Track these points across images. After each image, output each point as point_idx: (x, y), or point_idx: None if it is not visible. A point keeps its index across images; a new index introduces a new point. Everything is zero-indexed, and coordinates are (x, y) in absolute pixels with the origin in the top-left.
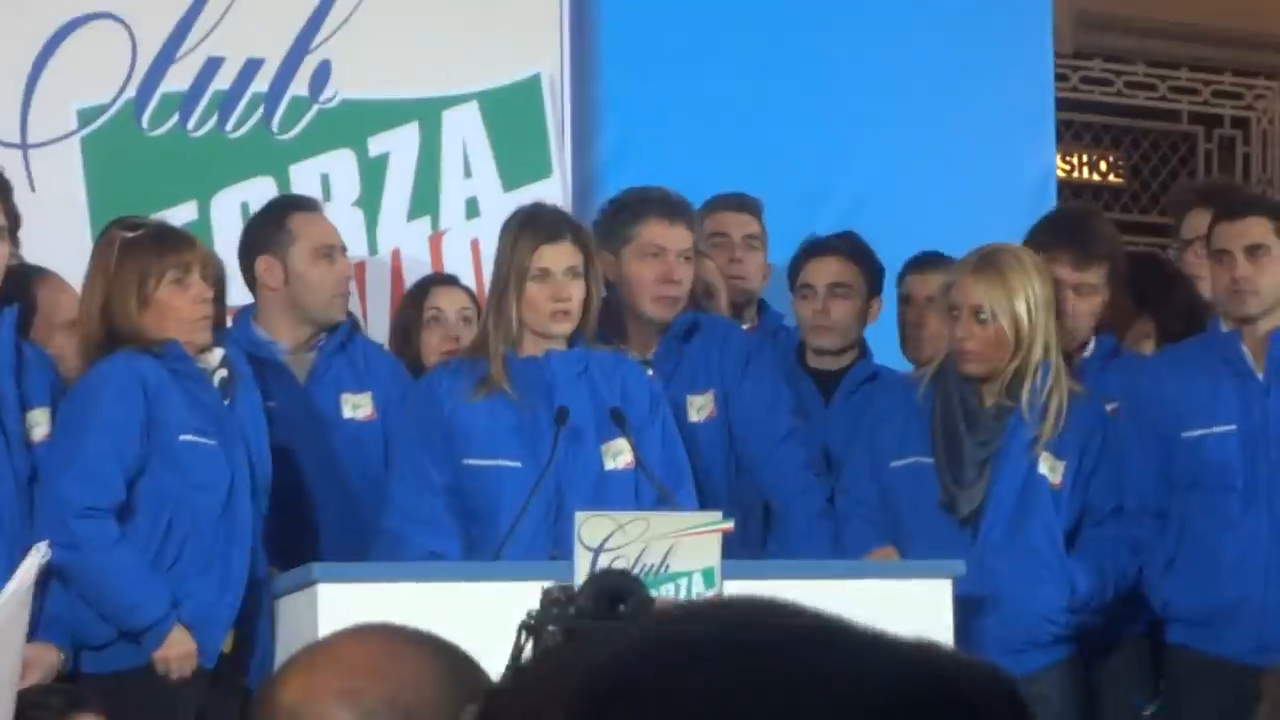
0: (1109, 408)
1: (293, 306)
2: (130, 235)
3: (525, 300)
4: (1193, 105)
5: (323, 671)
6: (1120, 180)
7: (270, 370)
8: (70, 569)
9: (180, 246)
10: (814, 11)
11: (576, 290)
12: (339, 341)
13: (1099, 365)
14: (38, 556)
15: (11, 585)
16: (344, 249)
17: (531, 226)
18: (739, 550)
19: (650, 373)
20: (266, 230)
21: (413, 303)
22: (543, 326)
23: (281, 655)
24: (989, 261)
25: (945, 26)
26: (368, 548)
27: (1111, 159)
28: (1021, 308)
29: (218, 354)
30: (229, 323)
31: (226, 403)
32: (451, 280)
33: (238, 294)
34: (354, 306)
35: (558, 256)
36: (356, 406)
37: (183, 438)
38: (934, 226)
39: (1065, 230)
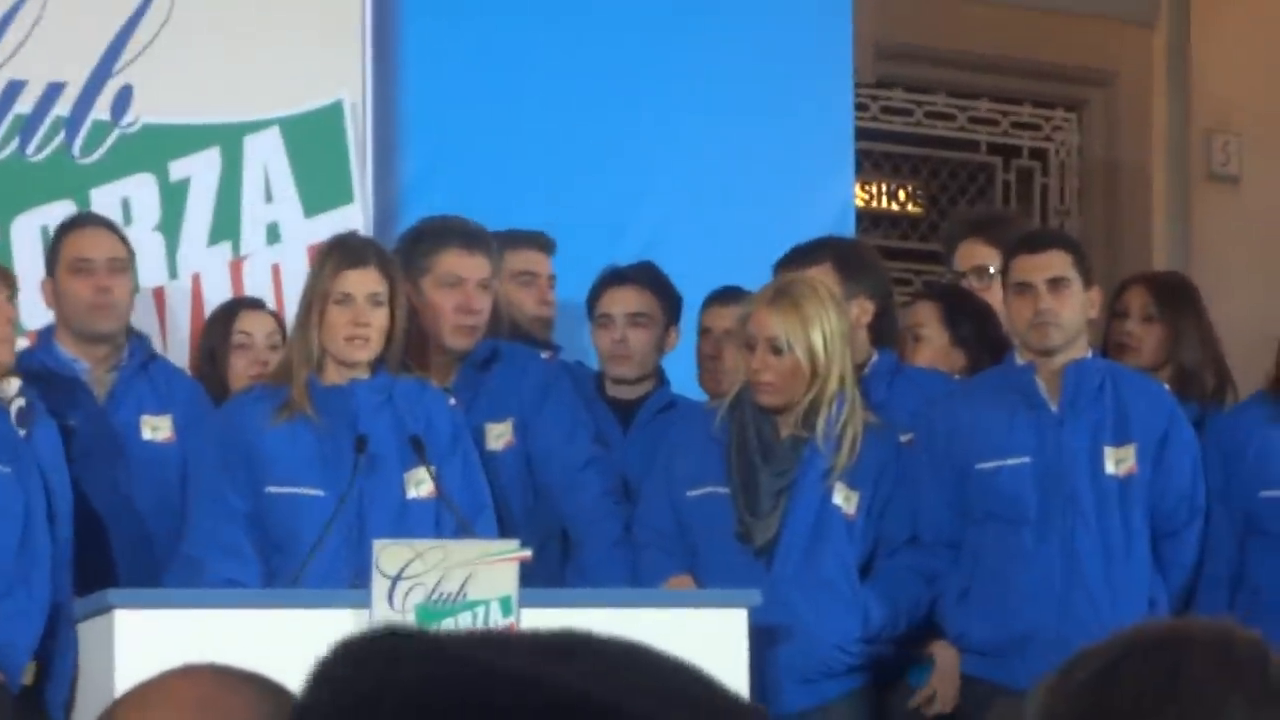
0: (903, 439)
1: (64, 324)
2: None
3: (326, 324)
4: (992, 136)
5: (156, 708)
6: (919, 209)
7: (70, 388)
8: None
9: None
10: (614, 42)
11: (377, 317)
12: (140, 362)
13: (885, 381)
14: None
15: None
16: (113, 261)
17: (338, 251)
18: (537, 579)
19: (453, 402)
20: (50, 252)
21: (220, 326)
22: (341, 352)
23: (82, 682)
24: (785, 293)
25: (745, 57)
26: (163, 571)
27: (910, 188)
28: (818, 339)
29: (14, 384)
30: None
31: (22, 432)
32: (259, 304)
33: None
34: (153, 330)
35: (361, 282)
36: (156, 429)
37: None
38: (733, 257)
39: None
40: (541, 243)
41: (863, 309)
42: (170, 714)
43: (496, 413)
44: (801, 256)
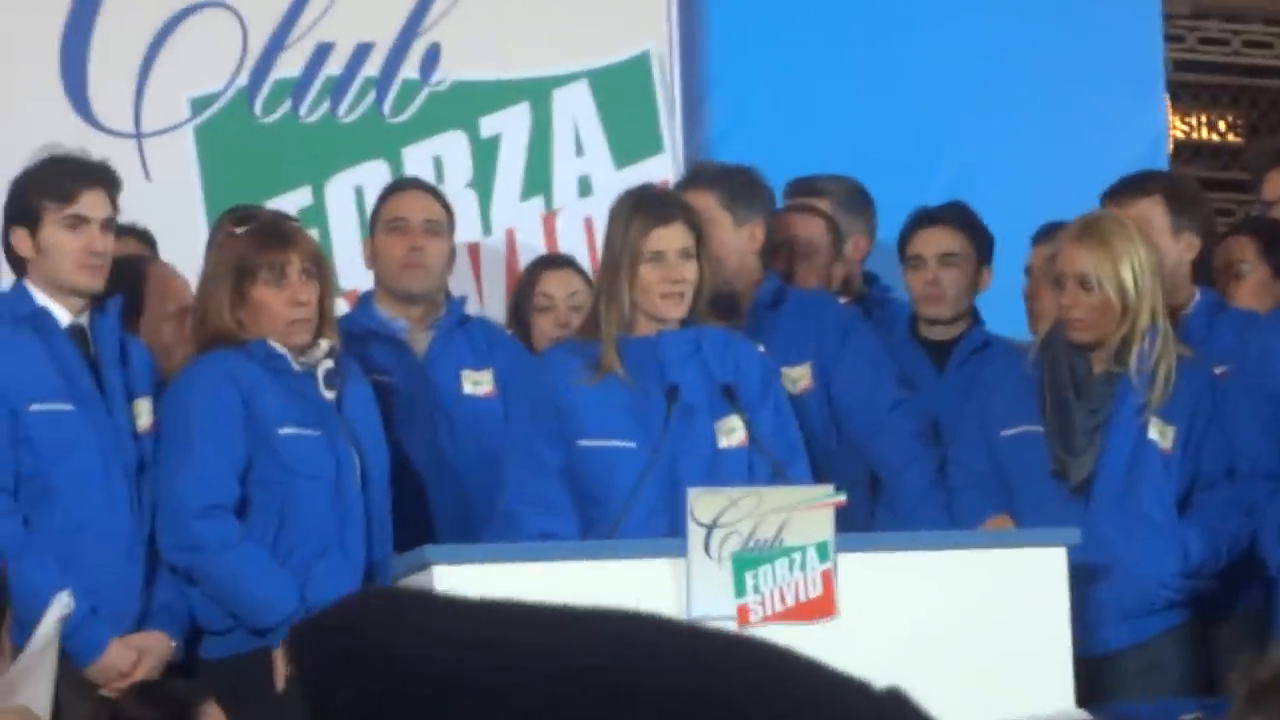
0: (1218, 371)
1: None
2: (236, 230)
3: (638, 283)
4: None
5: None
6: (1239, 139)
7: (389, 347)
8: (196, 570)
9: (277, 245)
10: None
11: (690, 271)
12: (457, 319)
13: (1205, 320)
14: (59, 608)
15: (35, 638)
16: (428, 222)
17: (643, 209)
18: (845, 523)
19: (762, 349)
20: (371, 215)
21: (523, 287)
22: (656, 309)
23: None
24: (1093, 229)
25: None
26: (482, 527)
27: (1230, 118)
28: (1127, 274)
29: (323, 346)
30: (342, 309)
31: (331, 394)
32: (562, 262)
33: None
34: (469, 287)
35: (671, 238)
36: (477, 383)
37: (282, 431)
38: (1044, 194)
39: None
40: None
41: (1189, 244)
42: None
43: (793, 356)
44: (1131, 188)
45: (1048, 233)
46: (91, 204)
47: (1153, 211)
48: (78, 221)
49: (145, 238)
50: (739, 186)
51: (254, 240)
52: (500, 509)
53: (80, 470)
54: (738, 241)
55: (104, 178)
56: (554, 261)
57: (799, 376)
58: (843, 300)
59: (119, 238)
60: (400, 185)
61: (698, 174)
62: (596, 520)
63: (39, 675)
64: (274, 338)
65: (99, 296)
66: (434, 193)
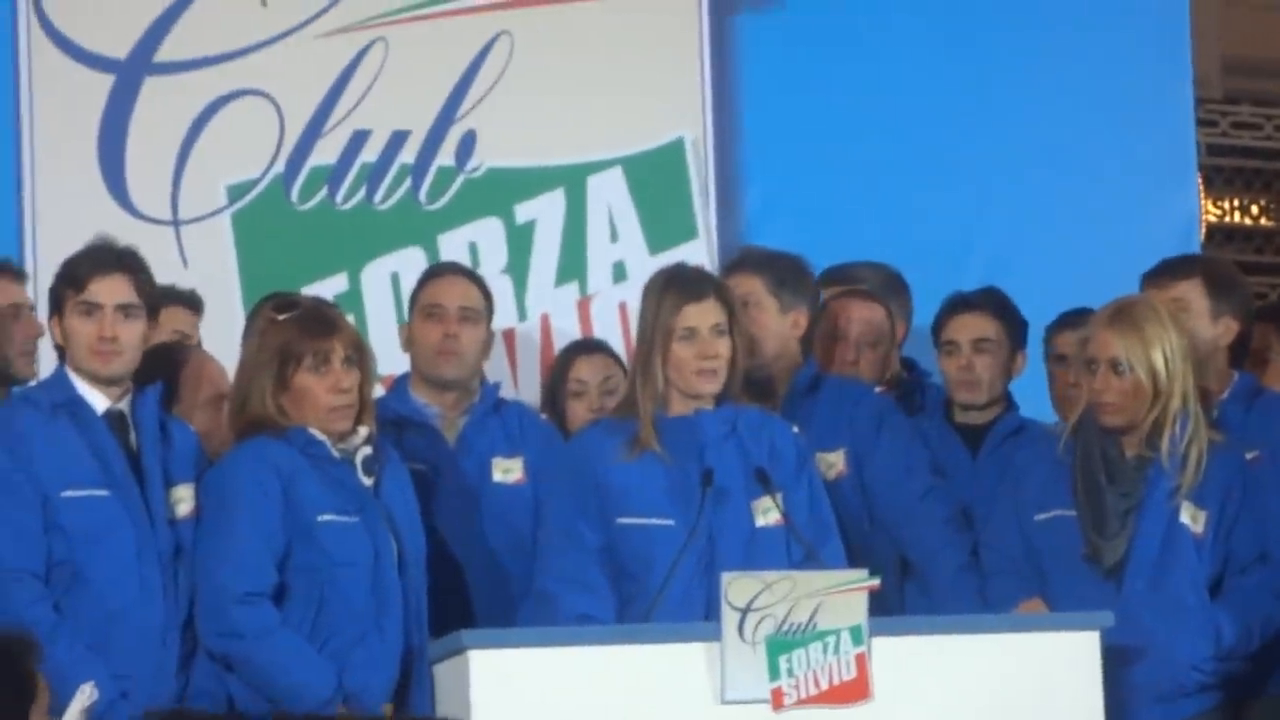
0: (1249, 455)
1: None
2: (278, 317)
3: (672, 360)
4: None
5: None
6: (1272, 223)
7: (422, 433)
8: (235, 656)
9: (321, 332)
10: (951, 70)
11: (723, 348)
12: (491, 404)
13: (1243, 404)
14: (83, 699)
15: None
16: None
17: (676, 286)
18: (876, 607)
19: (796, 430)
20: (410, 299)
21: (557, 372)
22: (690, 386)
23: None
24: (1125, 314)
25: (1082, 77)
26: (516, 611)
27: (1263, 202)
28: (1159, 358)
29: (361, 433)
30: (378, 393)
31: (370, 480)
32: (594, 347)
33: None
34: (504, 372)
35: (703, 315)
36: (507, 471)
37: (322, 518)
38: (1077, 278)
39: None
40: None
41: (1227, 328)
42: None
43: (828, 442)
44: (1171, 270)
45: (1067, 321)
46: (104, 290)
47: (1192, 294)
48: (90, 308)
49: (190, 300)
50: (786, 273)
51: (298, 327)
52: (537, 588)
53: (113, 556)
54: (781, 327)
55: (121, 263)
56: (587, 346)
57: (834, 462)
58: (879, 388)
59: (166, 304)
60: (439, 270)
61: (746, 258)
62: (634, 597)
63: None
64: (315, 424)
65: (140, 381)
66: (473, 278)
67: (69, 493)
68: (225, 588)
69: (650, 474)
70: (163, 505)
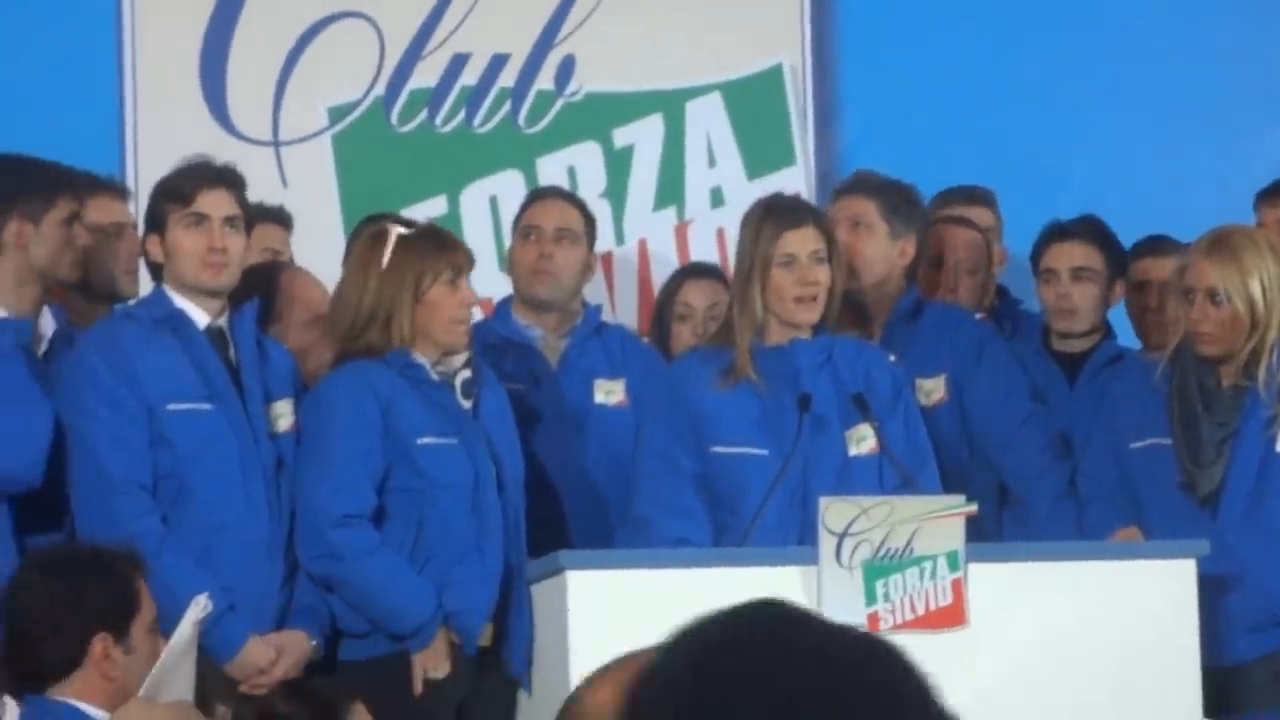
0: None
1: (516, 292)
2: (406, 232)
3: (771, 287)
4: None
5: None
6: None
7: (524, 355)
8: (334, 578)
9: (455, 248)
10: None
11: (822, 275)
12: (593, 327)
13: None
14: (197, 610)
15: (174, 641)
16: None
17: (774, 214)
18: (974, 533)
19: (893, 358)
20: (513, 222)
21: (666, 295)
22: (789, 314)
23: (538, 642)
24: (1222, 243)
25: (1181, 7)
26: (615, 533)
27: None
28: (1256, 288)
29: (460, 356)
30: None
31: (469, 403)
32: (705, 271)
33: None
34: (602, 296)
35: (802, 242)
36: (609, 393)
37: (422, 440)
38: (1174, 207)
39: None
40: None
41: None
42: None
43: (928, 368)
44: None
45: (1144, 248)
46: (211, 202)
47: None
48: (198, 220)
49: (280, 216)
50: (900, 200)
51: (433, 243)
52: (634, 514)
53: (218, 469)
54: (889, 253)
55: (224, 177)
56: (698, 271)
57: (933, 388)
58: (978, 314)
59: (257, 221)
60: (540, 194)
61: (861, 181)
62: (728, 526)
63: (179, 676)
64: (441, 338)
65: (237, 299)
66: (574, 201)
67: (174, 406)
68: (323, 510)
69: (744, 403)
70: (264, 420)
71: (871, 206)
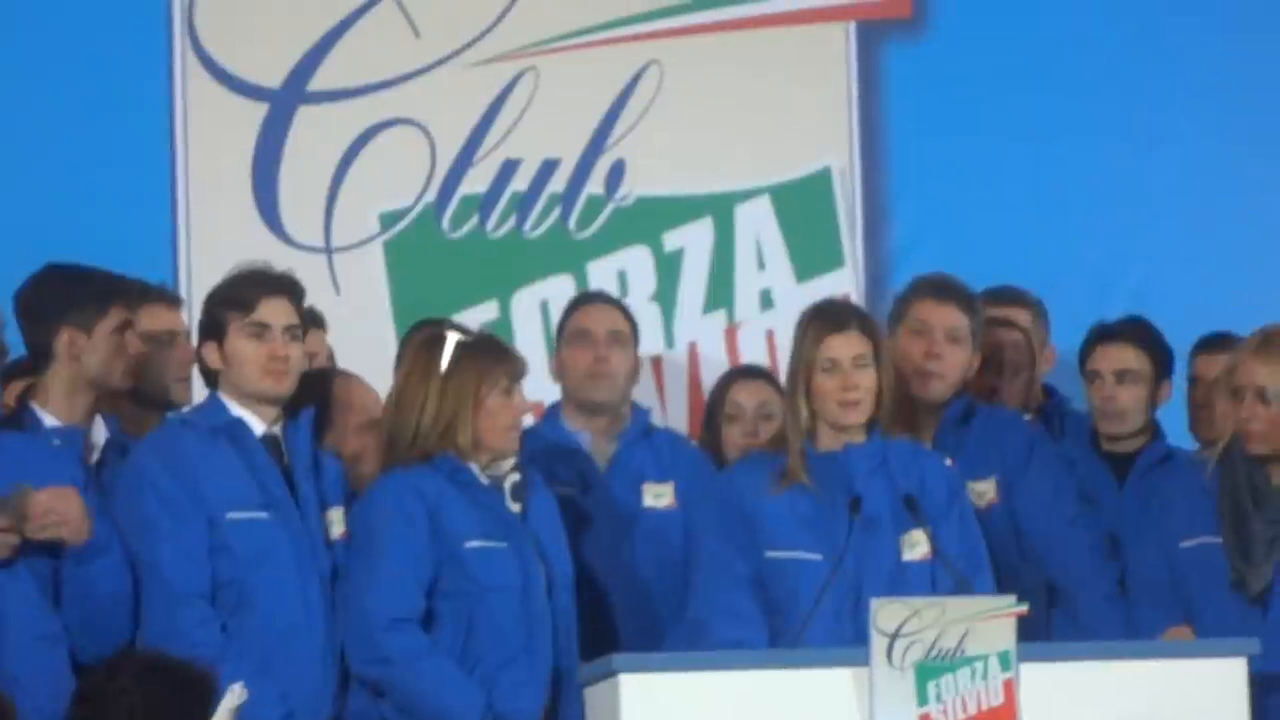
0: None
1: (567, 396)
2: (466, 339)
3: (815, 391)
4: None
5: None
6: None
7: (573, 459)
8: (384, 682)
9: (512, 357)
10: (1097, 98)
11: (866, 379)
12: (641, 430)
13: None
14: (233, 698)
15: None
16: (612, 333)
17: (819, 318)
18: (1022, 633)
19: (949, 462)
20: (558, 328)
21: (716, 396)
22: (833, 417)
23: None
24: (1271, 342)
25: (1229, 113)
26: (665, 636)
27: None
28: None
29: (510, 460)
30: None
31: (518, 506)
32: (755, 373)
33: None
34: (651, 399)
35: (845, 346)
36: (658, 496)
37: (470, 544)
38: (1224, 305)
39: None
40: None
41: None
42: None
43: (979, 471)
44: None
45: (1210, 343)
46: (272, 311)
47: None
48: (260, 329)
49: (315, 318)
50: (980, 315)
51: (491, 353)
52: (689, 617)
53: (277, 577)
54: (967, 371)
55: (284, 286)
56: (747, 372)
57: (985, 490)
58: (1026, 415)
59: None
60: (585, 298)
61: (957, 292)
62: (781, 631)
63: None
64: (495, 445)
65: (291, 408)
66: (618, 305)
67: (234, 515)
68: (373, 614)
69: (798, 507)
70: (319, 527)
71: (966, 322)
